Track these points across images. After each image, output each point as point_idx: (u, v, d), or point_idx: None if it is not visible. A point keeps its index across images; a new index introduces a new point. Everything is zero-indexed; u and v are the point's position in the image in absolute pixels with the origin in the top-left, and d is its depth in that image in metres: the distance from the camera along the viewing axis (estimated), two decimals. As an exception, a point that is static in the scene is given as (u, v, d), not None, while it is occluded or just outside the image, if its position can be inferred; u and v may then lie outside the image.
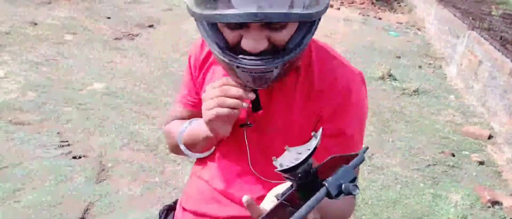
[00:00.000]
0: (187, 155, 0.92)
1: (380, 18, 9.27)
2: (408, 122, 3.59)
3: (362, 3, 10.87)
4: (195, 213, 0.91)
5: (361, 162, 0.53)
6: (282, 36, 0.66)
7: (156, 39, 5.30)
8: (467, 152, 3.13)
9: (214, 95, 0.72)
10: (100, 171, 2.40)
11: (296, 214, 0.48)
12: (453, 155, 3.06)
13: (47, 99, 3.20)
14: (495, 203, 2.49)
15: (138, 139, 2.77)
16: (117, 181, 2.33)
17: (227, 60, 0.67)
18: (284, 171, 0.54)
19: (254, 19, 0.59)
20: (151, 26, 5.92)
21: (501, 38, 4.48)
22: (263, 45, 0.65)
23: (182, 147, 0.89)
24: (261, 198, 0.83)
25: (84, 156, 2.51)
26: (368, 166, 2.80)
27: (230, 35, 0.67)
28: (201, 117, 0.89)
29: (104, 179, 2.33)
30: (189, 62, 0.94)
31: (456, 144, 3.25)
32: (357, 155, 0.53)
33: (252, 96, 0.72)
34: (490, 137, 3.33)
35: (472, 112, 3.92)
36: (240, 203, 0.84)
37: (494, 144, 3.28)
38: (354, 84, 0.79)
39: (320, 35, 0.82)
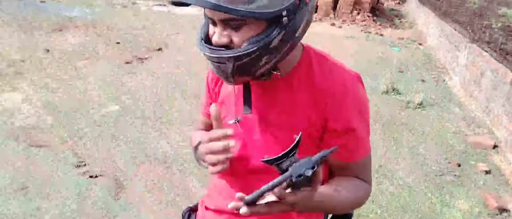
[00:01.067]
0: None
1: (381, 35, 9.42)
2: (414, 133, 3.67)
3: (363, 21, 11.06)
4: (215, 211, 1.01)
5: (323, 157, 0.65)
6: (239, 36, 0.77)
7: (166, 62, 5.47)
8: (473, 162, 3.18)
9: (204, 152, 0.84)
10: (117, 188, 2.50)
11: (257, 191, 0.61)
12: (459, 165, 3.12)
13: (64, 122, 3.34)
14: (503, 210, 2.54)
15: (153, 156, 2.87)
16: (134, 197, 2.42)
17: (198, 47, 0.82)
18: (267, 162, 0.66)
19: (204, 5, 0.72)
20: (159, 49, 6.10)
21: (501, 50, 4.58)
22: (222, 40, 0.78)
23: (200, 163, 0.99)
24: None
25: (100, 175, 2.61)
26: (376, 176, 2.87)
27: (210, 31, 0.81)
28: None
29: (122, 196, 2.43)
30: (207, 78, 1.07)
31: (462, 154, 3.32)
32: (330, 151, 0.66)
33: (232, 143, 0.82)
34: (495, 146, 3.38)
35: (476, 122, 3.99)
36: None
37: (499, 153, 3.34)
38: (350, 81, 0.88)
39: (328, 50, 0.90)
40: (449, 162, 3.15)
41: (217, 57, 0.78)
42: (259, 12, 0.72)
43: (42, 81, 4.31)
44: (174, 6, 11.77)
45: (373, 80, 5.26)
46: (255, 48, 0.75)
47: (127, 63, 5.26)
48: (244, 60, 0.77)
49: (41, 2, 10.60)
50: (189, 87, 4.44)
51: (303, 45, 0.93)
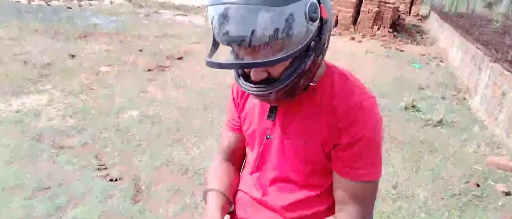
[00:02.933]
0: None
1: (402, 50, 9.36)
2: (433, 152, 3.62)
3: (384, 36, 11.02)
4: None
5: None
6: (276, 70, 0.82)
7: (186, 70, 5.56)
8: (492, 183, 3.12)
9: None
10: (136, 192, 2.55)
11: None
12: (478, 185, 3.06)
13: (86, 125, 3.43)
14: (522, 232, 2.48)
15: (171, 163, 2.92)
16: (152, 201, 2.46)
17: (239, 86, 0.87)
18: None
19: (236, 67, 0.80)
20: (180, 58, 6.22)
21: (525, 70, 4.49)
22: (262, 76, 0.82)
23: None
24: (293, 204, 0.96)
25: (120, 179, 2.67)
26: (393, 194, 2.85)
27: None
28: (243, 139, 1.06)
29: (140, 200, 2.47)
30: (232, 92, 1.11)
31: (481, 174, 3.26)
32: None
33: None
34: (516, 167, 3.32)
35: (497, 143, 3.92)
36: (272, 209, 0.98)
37: (520, 175, 3.27)
38: (366, 101, 0.90)
39: (347, 68, 0.92)
40: (467, 182, 3.10)
41: (262, 94, 0.83)
42: (293, 52, 0.75)
43: (66, 85, 4.45)
44: (194, 16, 11.97)
45: (393, 96, 5.23)
46: (294, 77, 0.80)
47: (149, 70, 5.38)
48: (286, 89, 0.82)
49: (68, 8, 10.95)
50: (209, 95, 4.50)
51: (325, 63, 0.96)
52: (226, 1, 0.71)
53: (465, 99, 5.54)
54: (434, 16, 14.45)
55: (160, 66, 5.66)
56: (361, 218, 0.90)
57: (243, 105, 1.08)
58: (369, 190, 0.91)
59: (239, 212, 1.05)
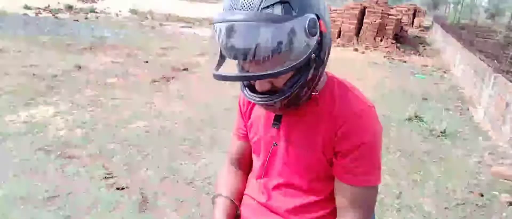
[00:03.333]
0: None
1: (405, 61, 9.42)
2: (436, 162, 3.64)
3: (387, 47, 11.09)
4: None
5: None
6: (279, 82, 0.87)
7: (191, 82, 5.64)
8: (496, 193, 3.14)
9: None
10: (142, 201, 2.58)
11: None
12: (482, 195, 3.08)
13: (93, 136, 3.49)
14: (526, 243, 2.49)
15: (177, 174, 2.96)
16: (159, 212, 2.49)
17: (245, 96, 0.93)
18: None
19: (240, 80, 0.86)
20: (185, 69, 6.29)
21: (527, 81, 4.52)
22: (266, 87, 0.88)
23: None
24: (296, 208, 1.00)
25: (127, 188, 2.71)
26: (397, 204, 2.86)
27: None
28: (250, 147, 1.11)
29: (146, 209, 2.51)
30: (239, 102, 1.17)
31: (485, 185, 3.27)
32: None
33: None
34: (520, 178, 3.33)
35: (501, 154, 3.93)
36: (277, 212, 1.02)
37: (524, 185, 3.28)
38: (365, 110, 0.94)
39: (351, 79, 0.95)
40: (471, 192, 3.11)
41: (266, 104, 0.89)
42: (294, 65, 0.80)
43: (73, 96, 4.52)
44: (199, 28, 12.11)
45: (397, 107, 5.26)
46: (296, 87, 0.86)
47: (155, 82, 5.45)
48: (289, 99, 0.88)
49: (75, 21, 11.13)
50: (214, 107, 4.55)
51: (327, 74, 1.01)
52: (232, 18, 0.76)
53: (468, 110, 5.57)
54: (437, 27, 14.53)
55: (165, 77, 5.73)
56: None
57: (249, 114, 1.13)
58: (369, 195, 0.95)
59: (246, 215, 1.09)
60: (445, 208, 2.87)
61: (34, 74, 5.26)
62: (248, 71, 0.84)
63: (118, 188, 2.70)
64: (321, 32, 0.84)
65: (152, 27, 11.39)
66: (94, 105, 4.30)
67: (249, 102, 1.13)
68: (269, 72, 0.79)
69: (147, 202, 2.59)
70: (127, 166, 3.02)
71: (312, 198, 1.00)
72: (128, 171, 2.95)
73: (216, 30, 0.81)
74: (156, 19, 13.45)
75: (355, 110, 0.93)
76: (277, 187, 1.03)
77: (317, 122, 0.95)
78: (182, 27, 12.27)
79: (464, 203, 2.95)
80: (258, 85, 0.88)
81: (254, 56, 0.77)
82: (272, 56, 0.77)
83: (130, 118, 4.00)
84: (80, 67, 5.83)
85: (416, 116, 4.85)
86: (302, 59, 0.81)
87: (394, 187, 3.10)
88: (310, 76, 0.86)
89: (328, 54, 0.90)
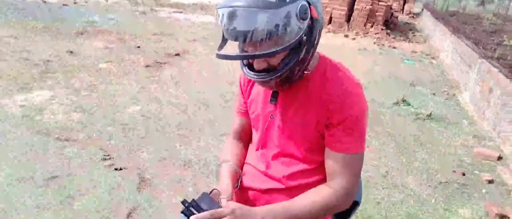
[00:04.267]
0: None
1: (394, 47, 9.55)
2: (422, 144, 3.80)
3: (377, 33, 11.20)
4: (245, 188, 1.22)
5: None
6: (274, 60, 0.99)
7: (184, 67, 5.70)
8: (477, 172, 3.31)
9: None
10: (140, 182, 2.69)
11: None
12: (464, 174, 3.24)
13: (90, 120, 3.56)
14: (503, 217, 2.66)
15: (173, 156, 3.07)
16: (156, 191, 2.60)
17: (245, 74, 1.05)
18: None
19: (241, 57, 0.97)
20: (178, 55, 6.34)
21: (511, 67, 4.68)
22: (263, 66, 1.00)
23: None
24: (293, 175, 1.12)
25: (125, 168, 2.81)
26: (383, 183, 3.01)
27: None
28: (250, 122, 1.23)
29: (144, 189, 2.61)
30: (240, 81, 1.28)
31: (467, 165, 3.44)
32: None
33: None
34: (499, 158, 3.50)
35: (484, 136, 4.10)
36: (276, 179, 1.14)
37: (504, 165, 3.45)
38: (353, 87, 1.07)
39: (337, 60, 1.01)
40: (454, 172, 3.27)
41: (263, 80, 1.01)
42: (287, 46, 0.93)
43: (67, 81, 4.57)
44: (191, 14, 12.08)
45: (385, 92, 5.40)
46: (289, 66, 0.98)
47: (147, 66, 5.50)
48: (283, 76, 1.00)
49: (64, 5, 11.00)
50: (205, 91, 4.64)
51: (319, 55, 1.12)
52: (234, 4, 0.88)
53: (454, 95, 5.73)
54: (426, 14, 14.67)
55: (158, 62, 5.78)
56: (350, 185, 1.05)
57: (249, 92, 1.25)
58: (355, 161, 1.07)
59: (247, 182, 1.22)
60: (429, 186, 3.03)
61: (27, 59, 5.27)
62: (247, 52, 0.96)
63: (116, 169, 2.80)
64: (312, 18, 0.95)
65: (143, 12, 11.32)
66: (89, 89, 4.36)
67: (249, 81, 1.25)
68: (265, 52, 0.91)
69: (145, 183, 2.70)
70: (124, 148, 3.11)
71: (306, 166, 1.12)
72: (126, 153, 3.04)
73: (219, 15, 0.92)
74: (147, 4, 13.35)
75: (344, 88, 1.05)
76: (275, 156, 1.15)
77: (309, 99, 1.07)
78: (174, 12, 12.22)
79: (447, 182, 3.11)
80: (256, 64, 1.00)
81: (252, 38, 0.88)
82: (268, 38, 0.89)
83: (125, 103, 4.07)
84: (72, 52, 5.84)
85: (403, 100, 5.00)
86: (294, 41, 0.93)
87: (381, 167, 3.25)
88: (301, 56, 0.98)
89: (319, 37, 1.01)
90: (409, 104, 4.97)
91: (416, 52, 9.22)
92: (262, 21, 0.87)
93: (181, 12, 12.31)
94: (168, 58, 6.14)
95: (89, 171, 2.75)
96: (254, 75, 1.01)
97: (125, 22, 9.20)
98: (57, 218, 2.26)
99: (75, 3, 11.76)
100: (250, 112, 1.25)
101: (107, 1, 13.18)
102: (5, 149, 2.93)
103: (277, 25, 0.89)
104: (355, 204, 1.35)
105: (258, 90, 1.21)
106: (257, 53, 0.92)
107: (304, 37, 0.95)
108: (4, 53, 5.45)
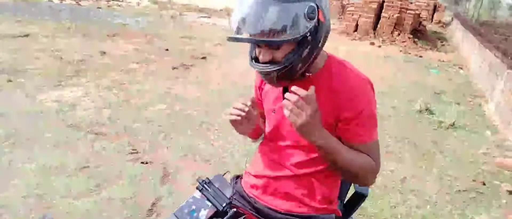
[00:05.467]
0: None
1: (421, 56, 9.44)
2: (443, 152, 3.78)
3: (404, 42, 11.09)
4: (256, 176, 1.32)
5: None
6: (279, 54, 1.07)
7: (209, 69, 5.86)
8: (498, 182, 3.28)
9: (232, 107, 1.23)
10: (163, 175, 2.83)
11: None
12: (484, 184, 3.22)
13: (119, 116, 3.75)
14: (522, 227, 2.64)
15: (195, 152, 3.20)
16: (178, 183, 2.74)
17: (250, 65, 1.14)
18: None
19: (246, 41, 1.04)
20: (204, 58, 6.52)
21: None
22: (267, 58, 1.08)
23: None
24: (302, 163, 1.20)
25: (150, 162, 2.96)
26: (400, 188, 3.04)
27: (256, 51, 1.12)
28: (263, 113, 1.33)
29: (167, 182, 2.75)
30: (255, 80, 1.38)
31: (488, 174, 3.41)
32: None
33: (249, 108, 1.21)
34: (522, 168, 3.46)
35: (507, 147, 4.04)
36: (286, 167, 1.23)
37: (527, 176, 3.41)
38: (361, 83, 1.14)
39: (364, 71, 1.05)
40: (474, 181, 3.26)
41: (265, 71, 1.09)
42: (292, 38, 1.02)
43: (99, 79, 4.80)
44: (217, 18, 12.31)
45: (408, 100, 5.38)
46: (290, 61, 1.06)
47: (174, 68, 5.70)
48: (284, 71, 1.08)
49: (98, 8, 11.47)
50: (228, 92, 4.77)
51: (327, 54, 1.20)
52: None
53: (480, 105, 5.65)
54: (456, 23, 14.38)
55: (185, 64, 5.97)
56: (378, 162, 1.17)
57: (262, 90, 1.35)
58: (373, 147, 1.16)
59: (259, 170, 1.31)
60: (447, 193, 3.03)
61: (61, 58, 5.57)
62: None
63: (142, 162, 2.95)
64: (319, 20, 1.04)
65: (171, 16, 11.65)
66: (119, 88, 4.57)
67: (262, 81, 1.34)
68: (271, 39, 1.00)
69: (169, 176, 2.83)
70: (150, 143, 3.27)
71: (314, 155, 1.20)
72: (151, 148, 3.20)
73: (237, 3, 1.04)
74: (176, 8, 13.71)
75: (352, 84, 1.13)
76: (285, 147, 1.25)
77: (318, 95, 1.15)
78: (201, 17, 12.50)
79: (465, 190, 3.11)
80: (261, 56, 1.09)
81: (262, 25, 0.99)
82: (276, 28, 0.99)
83: (152, 101, 4.25)
84: (104, 53, 6.12)
85: (426, 109, 4.97)
86: (299, 36, 1.02)
87: (399, 173, 3.27)
88: (304, 54, 1.06)
89: (324, 40, 1.10)
90: (432, 113, 4.95)
91: (443, 61, 9.09)
92: (274, 12, 0.98)
93: (208, 17, 12.58)
94: (193, 60, 6.33)
95: (117, 163, 2.92)
96: (259, 66, 1.10)
97: (154, 25, 9.51)
98: (86, 204, 2.42)
99: (108, 6, 12.24)
100: (264, 106, 1.35)
101: (139, 5, 13.63)
102: (40, 141, 3.14)
103: (286, 18, 0.99)
104: (362, 196, 1.43)
105: (268, 88, 1.30)
106: (262, 38, 1.01)
107: (309, 36, 1.04)
108: (40, 52, 5.77)
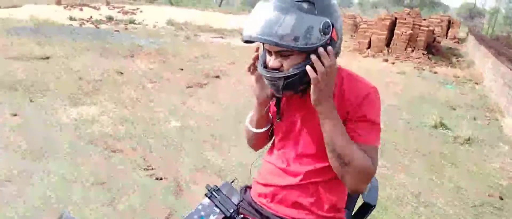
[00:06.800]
0: (251, 134, 1.38)
1: (435, 72, 9.38)
2: (458, 167, 3.74)
3: (418, 58, 11.05)
4: (264, 185, 1.34)
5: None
6: (287, 63, 1.11)
7: (222, 88, 5.96)
8: (515, 196, 3.22)
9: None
10: (178, 190, 2.88)
11: None
12: (501, 199, 3.16)
13: (135, 132, 3.84)
14: (540, 241, 2.58)
15: (208, 166, 3.25)
16: (192, 197, 2.78)
17: (259, 70, 1.17)
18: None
19: (254, 40, 1.08)
20: (217, 76, 6.64)
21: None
22: (276, 65, 1.12)
23: (247, 124, 1.37)
24: (310, 172, 1.23)
25: (165, 178, 3.02)
26: (414, 202, 3.01)
27: (267, 58, 1.16)
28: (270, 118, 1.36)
29: (181, 196, 2.80)
30: None
31: (505, 189, 3.35)
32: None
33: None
34: (540, 182, 3.38)
35: (524, 161, 3.97)
36: (294, 176, 1.26)
37: (545, 190, 3.33)
38: (370, 91, 1.18)
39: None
40: (490, 196, 3.20)
41: (272, 77, 1.13)
42: (302, 47, 1.06)
43: (116, 97, 4.94)
44: (230, 38, 12.53)
45: (422, 115, 5.35)
46: (297, 71, 1.09)
47: (189, 87, 5.81)
48: (290, 80, 1.11)
49: (116, 31, 11.81)
50: (242, 110, 4.84)
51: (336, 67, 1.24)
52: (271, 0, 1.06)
53: (497, 120, 5.57)
54: (471, 39, 14.28)
55: (199, 83, 6.09)
56: (373, 165, 1.15)
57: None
58: (372, 150, 1.17)
59: (267, 179, 1.34)
60: (462, 208, 2.99)
61: (80, 78, 5.75)
62: (270, 50, 1.12)
63: (157, 178, 3.01)
64: (331, 37, 1.09)
65: (186, 37, 11.90)
66: (135, 105, 4.69)
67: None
68: (282, 42, 1.04)
69: (182, 189, 2.88)
70: (164, 158, 3.34)
71: (323, 164, 1.23)
72: (165, 163, 3.26)
73: (255, 8, 1.09)
74: (191, 29, 14.01)
75: (360, 91, 1.17)
76: (294, 156, 1.28)
77: None
78: (214, 37, 12.74)
79: (481, 205, 3.06)
80: (271, 62, 1.13)
81: (276, 30, 1.03)
82: (289, 34, 1.03)
83: (166, 118, 4.34)
84: (121, 73, 6.29)
85: (441, 124, 4.93)
86: (310, 47, 1.06)
87: (413, 186, 3.24)
88: (303, 68, 1.08)
89: (336, 56, 1.14)
90: (447, 128, 4.90)
91: (458, 77, 9.01)
92: (290, 19, 1.02)
93: (221, 37, 12.81)
94: (207, 78, 6.44)
95: (132, 178, 2.98)
96: (267, 72, 1.13)
97: (170, 46, 9.73)
98: (101, 216, 2.48)
99: (126, 29, 12.59)
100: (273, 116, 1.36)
101: (155, 27, 13.99)
102: (59, 155, 3.24)
103: (300, 27, 1.03)
104: (370, 206, 1.44)
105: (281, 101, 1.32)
106: (276, 40, 1.04)
107: (320, 50, 1.07)
108: (60, 71, 5.97)
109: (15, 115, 4.04)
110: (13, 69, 5.79)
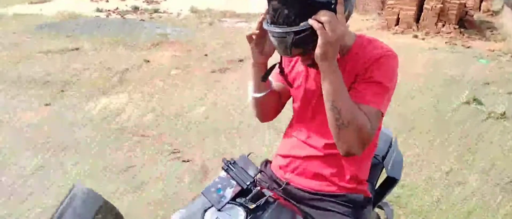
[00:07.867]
0: (252, 102, 1.42)
1: (468, 47, 8.98)
2: (492, 143, 3.59)
3: (449, 33, 10.60)
4: (284, 156, 1.37)
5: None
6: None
7: (246, 71, 5.94)
8: (555, 173, 3.06)
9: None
10: (203, 173, 2.92)
11: None
12: (540, 175, 3.02)
13: (161, 119, 3.91)
14: None
15: (233, 152, 3.27)
16: (217, 181, 2.81)
17: (266, 28, 1.10)
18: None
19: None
20: (241, 61, 6.63)
21: None
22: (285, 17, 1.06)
23: (249, 87, 1.38)
24: (330, 144, 1.20)
25: (190, 161, 3.07)
26: (446, 180, 2.92)
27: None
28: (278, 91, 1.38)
29: (206, 180, 2.84)
30: (281, 58, 1.37)
31: (543, 165, 3.19)
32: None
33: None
34: None
35: None
36: (314, 147, 1.25)
37: None
38: (387, 54, 1.14)
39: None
40: (527, 172, 3.06)
41: (280, 32, 1.05)
42: (316, 1, 1.01)
43: (142, 86, 5.03)
44: (254, 23, 12.46)
45: (454, 91, 5.15)
46: (308, 26, 1.01)
47: (213, 72, 5.84)
48: (300, 35, 1.03)
49: (141, 20, 11.98)
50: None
51: (355, 34, 1.20)
52: None
53: (535, 93, 5.28)
54: (507, 10, 13.54)
55: (223, 68, 6.10)
56: (373, 128, 1.10)
57: (292, 68, 1.35)
58: (373, 111, 1.11)
59: (288, 150, 1.34)
60: (497, 184, 2.88)
61: (108, 69, 5.88)
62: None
63: (183, 161, 3.06)
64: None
65: (210, 23, 11.90)
66: (161, 93, 4.76)
67: (290, 60, 1.34)
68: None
69: (207, 174, 2.92)
70: (190, 145, 3.39)
71: None
72: (191, 149, 3.31)
73: None
74: (214, 16, 14.01)
75: (373, 56, 1.14)
76: (314, 128, 1.27)
77: (348, 74, 1.16)
78: (239, 22, 12.70)
79: (517, 182, 2.93)
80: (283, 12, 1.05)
81: None
82: None
83: (191, 105, 4.39)
84: (148, 61, 6.39)
85: (474, 99, 4.73)
86: (323, 1, 1.01)
87: (444, 165, 3.14)
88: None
89: (347, 18, 1.09)
90: (481, 103, 4.69)
91: (493, 50, 8.59)
92: None
93: (245, 22, 12.76)
94: (231, 64, 6.45)
95: (159, 164, 3.05)
96: (275, 28, 1.05)
97: (194, 33, 9.77)
98: (131, 201, 2.56)
99: (151, 18, 12.75)
100: (295, 85, 1.32)
101: (179, 16, 14.09)
102: (88, 145, 3.35)
103: None
104: (394, 181, 1.41)
105: (300, 70, 1.30)
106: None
107: (333, 5, 1.00)
108: (88, 63, 6.13)
109: (48, 104, 4.20)
110: (44, 63, 6.00)
